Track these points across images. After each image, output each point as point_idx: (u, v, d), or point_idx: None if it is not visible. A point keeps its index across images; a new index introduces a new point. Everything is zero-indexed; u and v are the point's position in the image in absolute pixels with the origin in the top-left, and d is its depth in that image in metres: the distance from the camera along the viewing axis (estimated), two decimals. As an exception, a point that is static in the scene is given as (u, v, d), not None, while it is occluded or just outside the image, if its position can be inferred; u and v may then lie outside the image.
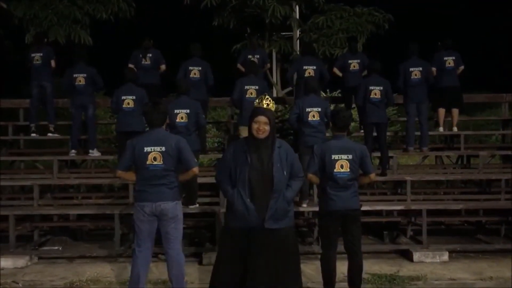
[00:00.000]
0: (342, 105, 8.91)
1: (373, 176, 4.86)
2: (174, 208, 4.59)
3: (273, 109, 3.97)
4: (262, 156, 3.87)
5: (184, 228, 4.81)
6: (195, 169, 4.70)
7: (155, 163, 4.56)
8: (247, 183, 3.83)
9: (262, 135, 3.87)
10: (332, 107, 7.82)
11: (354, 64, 8.88)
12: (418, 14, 16.91)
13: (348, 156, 4.69)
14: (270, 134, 3.90)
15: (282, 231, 3.90)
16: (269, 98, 3.95)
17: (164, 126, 4.79)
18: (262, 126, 3.86)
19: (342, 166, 4.67)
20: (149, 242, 4.67)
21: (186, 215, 5.05)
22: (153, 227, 4.64)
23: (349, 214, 4.70)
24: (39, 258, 6.72)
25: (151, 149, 4.58)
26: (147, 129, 4.84)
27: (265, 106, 3.90)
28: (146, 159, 4.57)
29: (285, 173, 3.92)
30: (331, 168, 4.68)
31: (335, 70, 9.02)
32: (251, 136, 3.91)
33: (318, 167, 4.72)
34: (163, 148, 4.57)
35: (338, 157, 4.69)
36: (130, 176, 4.76)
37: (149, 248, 4.68)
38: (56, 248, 7.10)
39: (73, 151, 8.35)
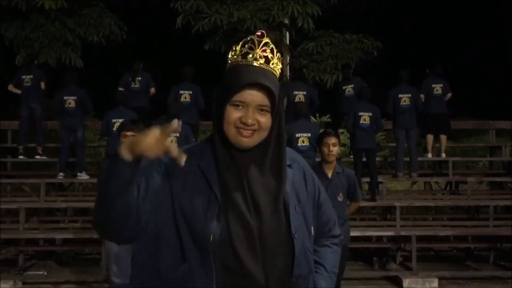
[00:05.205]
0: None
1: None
2: None
3: (278, 71, 1.61)
4: (254, 190, 1.55)
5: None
6: None
7: None
8: (214, 269, 1.50)
9: (250, 139, 1.55)
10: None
11: (348, 89, 8.99)
12: (407, 41, 17.23)
13: None
14: (274, 133, 1.59)
15: None
16: (271, 44, 1.60)
17: None
18: (252, 115, 1.53)
19: None
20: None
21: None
22: None
23: None
24: (24, 283, 6.56)
25: None
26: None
27: (260, 62, 1.56)
28: None
29: (312, 228, 1.68)
30: None
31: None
32: (222, 142, 1.57)
33: None
34: None
35: None
36: None
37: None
38: (41, 273, 6.97)
39: (61, 173, 8.26)
